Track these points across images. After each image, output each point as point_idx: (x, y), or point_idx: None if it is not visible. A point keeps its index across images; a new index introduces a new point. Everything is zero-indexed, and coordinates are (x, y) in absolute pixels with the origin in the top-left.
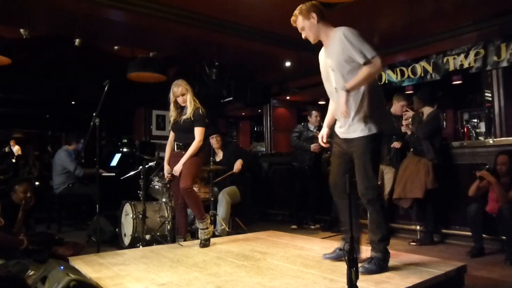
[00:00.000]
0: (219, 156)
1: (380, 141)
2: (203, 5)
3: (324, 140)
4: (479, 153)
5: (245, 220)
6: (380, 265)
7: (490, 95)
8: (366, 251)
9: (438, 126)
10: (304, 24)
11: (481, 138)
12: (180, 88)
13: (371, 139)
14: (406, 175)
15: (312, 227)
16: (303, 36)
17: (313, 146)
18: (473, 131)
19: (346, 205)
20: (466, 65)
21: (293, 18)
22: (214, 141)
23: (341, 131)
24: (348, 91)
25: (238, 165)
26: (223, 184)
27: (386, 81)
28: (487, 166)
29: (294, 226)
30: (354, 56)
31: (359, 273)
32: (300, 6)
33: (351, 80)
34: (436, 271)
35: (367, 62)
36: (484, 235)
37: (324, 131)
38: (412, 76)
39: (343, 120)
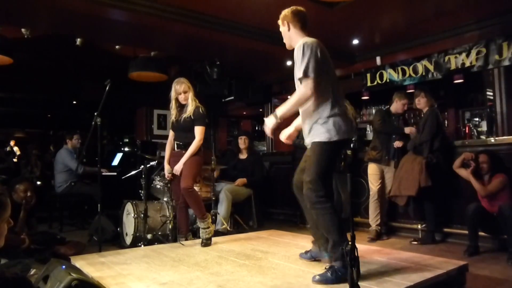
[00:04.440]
0: (243, 155)
1: (337, 149)
2: (204, 4)
3: (283, 138)
4: (482, 152)
5: (247, 223)
6: (338, 275)
7: (491, 94)
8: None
9: (438, 125)
10: (281, 29)
11: (483, 137)
12: (182, 85)
13: (325, 145)
14: (401, 173)
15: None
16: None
17: None
18: (475, 130)
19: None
20: (467, 64)
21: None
22: (241, 142)
23: (305, 137)
24: (276, 118)
25: (238, 182)
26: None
27: (388, 80)
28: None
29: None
30: (297, 68)
31: (314, 282)
32: (283, 11)
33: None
34: (437, 270)
35: (300, 80)
36: (484, 234)
37: (288, 130)
38: (413, 75)
39: (305, 127)
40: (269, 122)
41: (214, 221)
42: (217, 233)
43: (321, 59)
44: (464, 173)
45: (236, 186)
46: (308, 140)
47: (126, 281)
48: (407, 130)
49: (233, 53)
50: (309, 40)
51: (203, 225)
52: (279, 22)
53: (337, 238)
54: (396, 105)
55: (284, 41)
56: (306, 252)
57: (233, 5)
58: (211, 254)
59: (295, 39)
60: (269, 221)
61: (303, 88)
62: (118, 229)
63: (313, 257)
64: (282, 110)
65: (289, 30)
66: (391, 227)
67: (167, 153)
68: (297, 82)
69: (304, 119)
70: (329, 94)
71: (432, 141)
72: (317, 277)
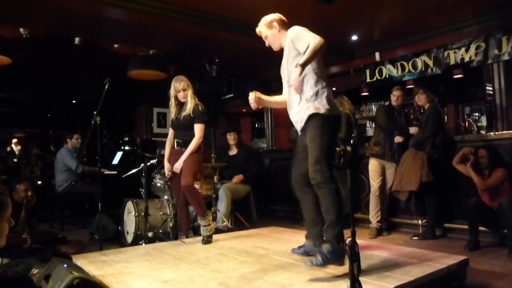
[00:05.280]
0: (233, 151)
1: (334, 124)
2: (203, 2)
3: (252, 97)
4: (481, 147)
5: (248, 219)
6: (326, 257)
7: (491, 88)
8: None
9: (440, 121)
10: (267, 33)
11: (483, 132)
12: (182, 83)
13: (321, 119)
14: (403, 168)
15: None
16: (266, 44)
17: None
18: (475, 125)
19: (306, 200)
20: (467, 59)
21: (257, 28)
22: (231, 138)
23: (296, 123)
24: (302, 66)
25: (236, 179)
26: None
27: (387, 76)
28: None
29: None
30: (298, 47)
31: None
32: (264, 17)
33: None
34: (438, 265)
35: (306, 47)
36: (484, 229)
37: (260, 96)
38: (412, 71)
39: (293, 111)
40: (296, 72)
41: (214, 219)
42: (218, 231)
43: None
44: (463, 168)
45: (234, 183)
46: (301, 120)
47: (128, 279)
48: (412, 130)
49: (232, 51)
50: (295, 26)
51: (203, 223)
52: (263, 27)
53: (335, 218)
54: (391, 98)
55: (271, 43)
56: (299, 247)
57: (231, 2)
58: (212, 251)
59: (284, 39)
60: (270, 218)
61: (316, 38)
62: (119, 227)
63: (306, 252)
64: (304, 59)
65: (279, 31)
66: (392, 223)
67: (167, 151)
68: (284, 75)
69: (294, 100)
70: (321, 72)
71: (434, 137)
72: (309, 262)
